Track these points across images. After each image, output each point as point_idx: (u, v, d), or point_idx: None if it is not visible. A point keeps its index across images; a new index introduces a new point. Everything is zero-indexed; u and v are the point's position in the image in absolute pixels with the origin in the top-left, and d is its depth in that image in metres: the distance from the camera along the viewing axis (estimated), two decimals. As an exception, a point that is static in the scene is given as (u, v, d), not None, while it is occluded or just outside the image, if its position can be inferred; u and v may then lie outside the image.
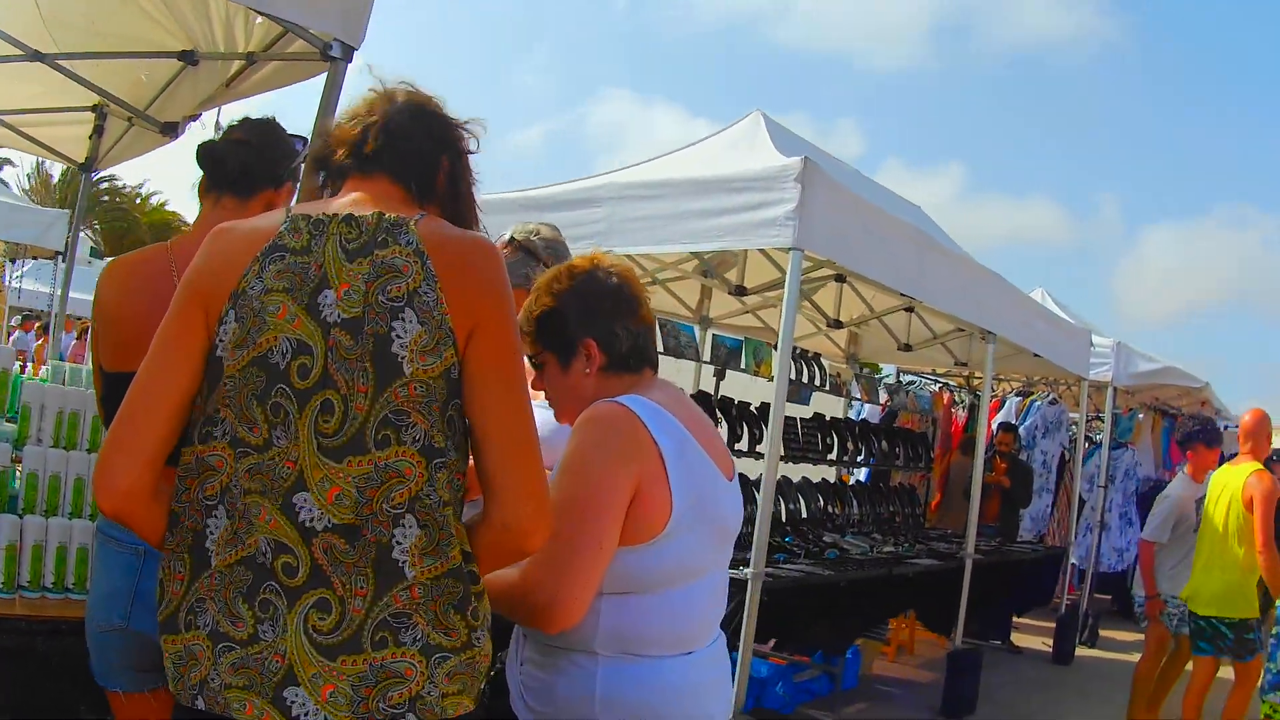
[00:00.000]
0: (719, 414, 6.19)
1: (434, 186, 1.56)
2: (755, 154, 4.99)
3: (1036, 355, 6.79)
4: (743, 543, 5.03)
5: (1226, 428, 12.63)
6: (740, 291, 6.62)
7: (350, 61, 2.75)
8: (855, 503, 7.34)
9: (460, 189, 1.59)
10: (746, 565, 4.14)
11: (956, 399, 9.01)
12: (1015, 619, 8.40)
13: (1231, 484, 4.96)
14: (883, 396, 7.91)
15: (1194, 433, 5.47)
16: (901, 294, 5.22)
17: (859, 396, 7.25)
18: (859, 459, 7.44)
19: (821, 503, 7.05)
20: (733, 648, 4.08)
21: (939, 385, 9.25)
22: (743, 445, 6.33)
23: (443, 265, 1.39)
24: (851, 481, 8.39)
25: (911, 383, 9.06)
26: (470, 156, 1.61)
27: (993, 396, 9.35)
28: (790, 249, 4.17)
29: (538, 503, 1.41)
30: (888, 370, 9.62)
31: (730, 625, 4.10)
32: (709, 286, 7.11)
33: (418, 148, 1.54)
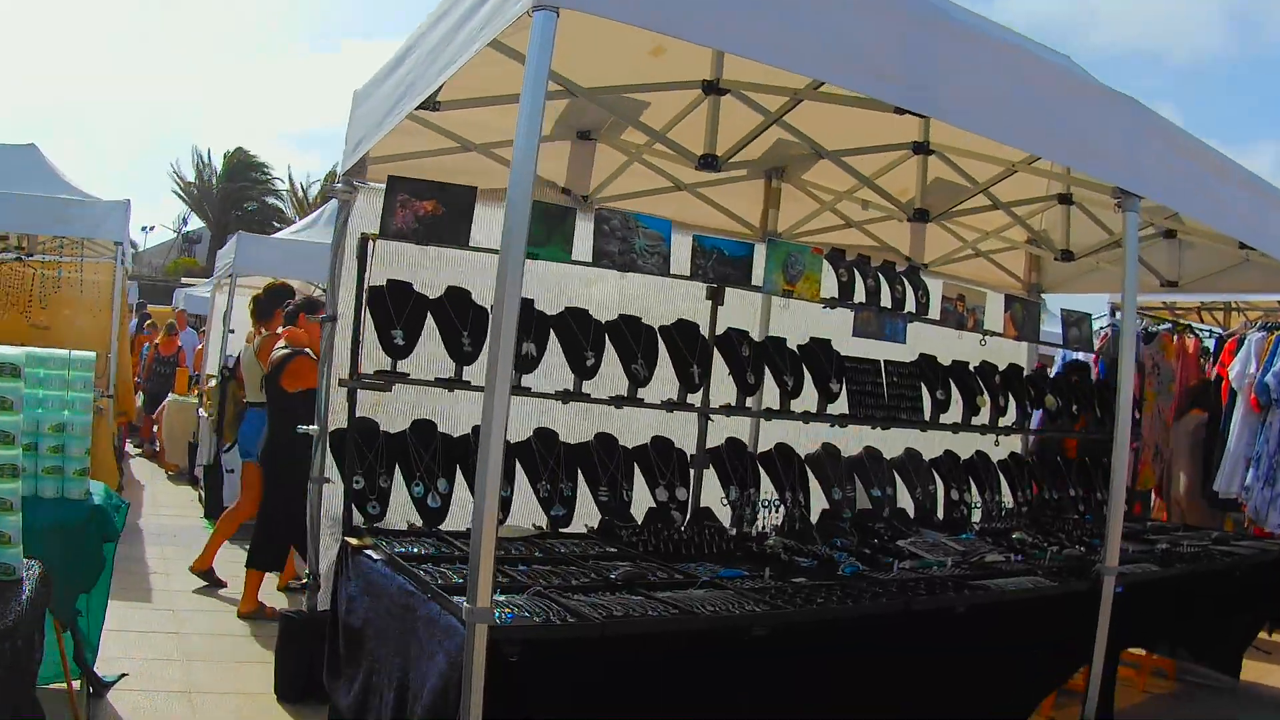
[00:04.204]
0: (718, 354, 4.25)
1: None
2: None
3: (1244, 247, 4.10)
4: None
5: None
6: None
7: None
8: (1006, 486, 4.96)
9: None
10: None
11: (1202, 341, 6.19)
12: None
13: None
14: (1061, 334, 5.39)
15: None
16: (896, 109, 3.07)
17: (1000, 332, 4.84)
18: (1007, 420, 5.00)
19: (940, 486, 4.79)
20: None
21: (1171, 326, 6.39)
22: (770, 401, 4.35)
23: None
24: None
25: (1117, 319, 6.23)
26: None
27: (1230, 334, 6.26)
28: (533, 9, 2.30)
29: None
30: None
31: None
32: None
33: None
